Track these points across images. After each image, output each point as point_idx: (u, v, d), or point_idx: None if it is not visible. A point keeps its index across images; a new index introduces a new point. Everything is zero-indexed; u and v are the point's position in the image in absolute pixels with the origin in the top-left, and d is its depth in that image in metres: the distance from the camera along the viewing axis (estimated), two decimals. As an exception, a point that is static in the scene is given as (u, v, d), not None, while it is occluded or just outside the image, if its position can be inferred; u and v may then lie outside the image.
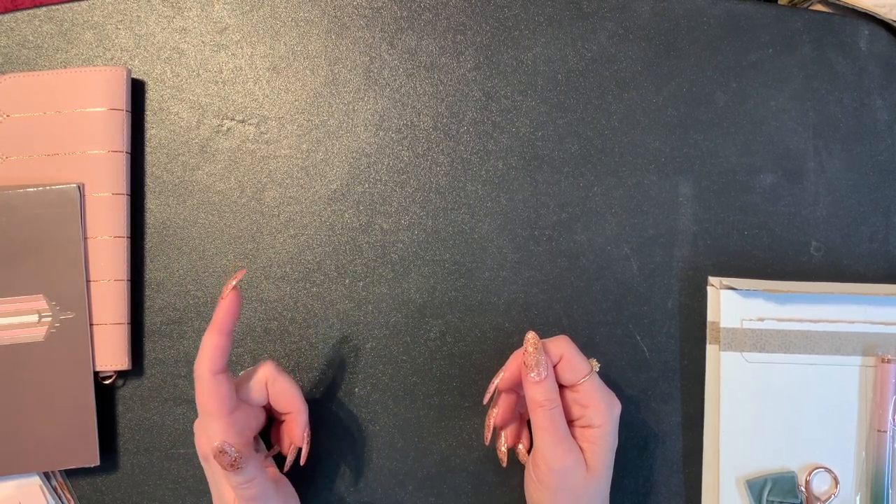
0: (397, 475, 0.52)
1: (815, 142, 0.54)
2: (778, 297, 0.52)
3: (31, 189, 0.50)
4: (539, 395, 0.45)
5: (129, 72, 0.52)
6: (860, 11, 0.56)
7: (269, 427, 0.50)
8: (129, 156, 0.52)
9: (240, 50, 0.54)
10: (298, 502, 0.48)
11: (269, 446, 0.50)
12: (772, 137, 0.54)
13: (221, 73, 0.54)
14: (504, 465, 0.49)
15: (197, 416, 0.44)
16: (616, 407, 0.46)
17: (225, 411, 0.43)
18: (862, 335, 0.52)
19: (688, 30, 0.55)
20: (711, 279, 0.53)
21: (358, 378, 0.53)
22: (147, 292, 0.53)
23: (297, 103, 0.54)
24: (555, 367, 0.46)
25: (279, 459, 0.48)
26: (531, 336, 0.46)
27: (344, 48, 0.54)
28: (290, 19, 0.54)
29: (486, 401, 0.48)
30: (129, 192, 0.52)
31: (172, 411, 0.52)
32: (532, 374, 0.45)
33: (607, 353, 0.53)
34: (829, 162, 0.54)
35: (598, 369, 0.47)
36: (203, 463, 0.45)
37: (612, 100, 0.54)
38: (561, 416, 0.46)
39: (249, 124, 0.54)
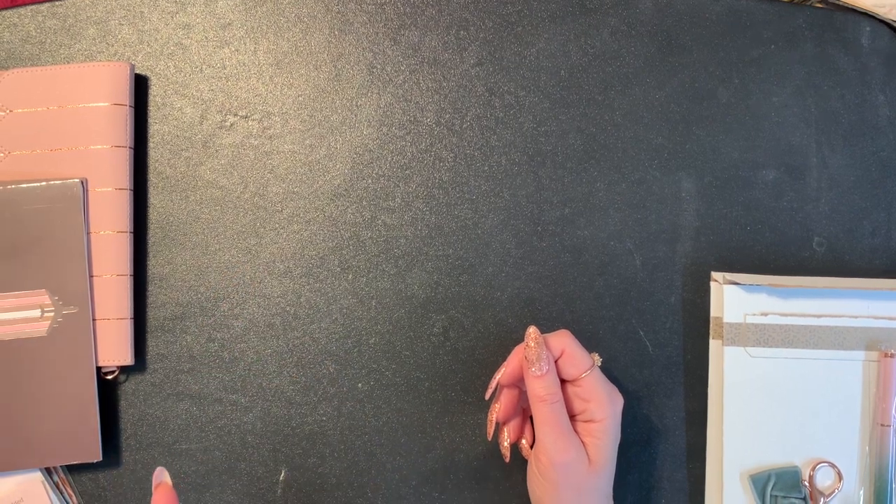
0: (401, 470, 0.52)
1: (818, 137, 0.55)
2: (781, 291, 0.52)
3: (35, 184, 0.50)
4: (540, 389, 0.45)
5: (133, 67, 0.52)
6: (860, 11, 0.56)
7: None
8: (132, 151, 0.52)
9: (243, 46, 0.54)
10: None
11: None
12: (774, 133, 0.54)
13: (225, 68, 0.54)
14: (507, 460, 0.49)
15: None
16: (618, 401, 0.46)
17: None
18: (865, 330, 0.52)
19: (690, 26, 0.55)
20: (714, 274, 0.53)
21: (361, 374, 0.53)
22: (150, 288, 0.53)
23: (300, 99, 0.54)
24: (556, 361, 0.46)
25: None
26: (532, 330, 0.46)
27: (347, 44, 0.54)
28: (293, 15, 0.54)
29: (487, 396, 0.48)
30: (132, 188, 0.52)
31: (175, 407, 0.52)
32: (533, 369, 0.45)
33: (610, 349, 0.53)
34: (831, 158, 0.55)
35: (599, 363, 0.47)
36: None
37: (614, 95, 0.54)
38: (563, 411, 0.46)
39: (253, 120, 0.54)
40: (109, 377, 0.51)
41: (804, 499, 0.50)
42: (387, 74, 0.54)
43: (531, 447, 0.49)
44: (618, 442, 0.47)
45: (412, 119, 0.54)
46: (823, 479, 0.51)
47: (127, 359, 0.51)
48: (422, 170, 0.54)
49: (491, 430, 0.49)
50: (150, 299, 0.53)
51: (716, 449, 0.52)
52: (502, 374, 0.47)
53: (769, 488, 0.50)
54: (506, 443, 0.49)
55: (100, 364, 0.50)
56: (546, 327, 0.53)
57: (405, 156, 0.54)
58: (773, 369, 0.52)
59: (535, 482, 0.46)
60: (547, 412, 0.45)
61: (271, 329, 0.53)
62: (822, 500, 0.51)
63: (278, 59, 0.54)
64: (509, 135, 0.54)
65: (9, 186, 0.50)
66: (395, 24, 0.54)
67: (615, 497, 0.47)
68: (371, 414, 0.52)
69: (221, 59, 0.54)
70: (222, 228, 0.53)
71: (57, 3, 0.53)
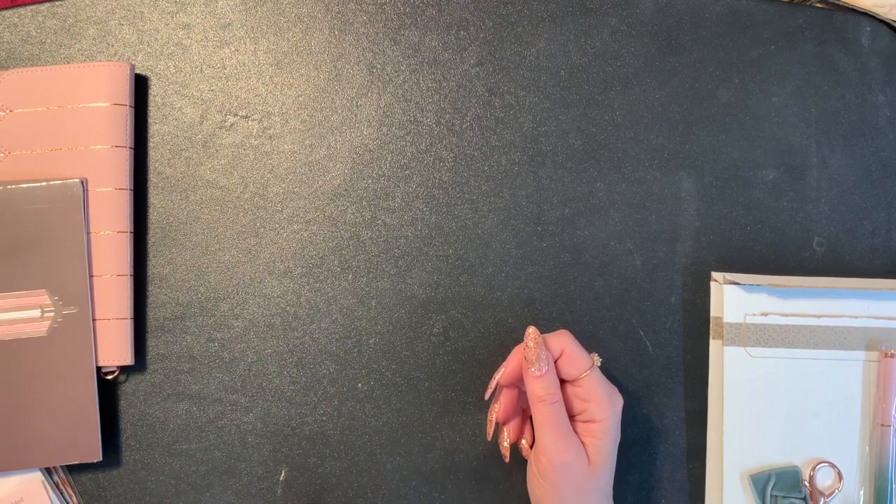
0: (401, 470, 0.52)
1: (818, 137, 0.55)
2: (781, 291, 0.52)
3: (35, 184, 0.50)
4: (540, 389, 0.45)
5: (133, 67, 0.52)
6: (860, 11, 0.56)
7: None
8: (132, 151, 0.52)
9: (243, 46, 0.54)
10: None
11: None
12: (774, 133, 0.54)
13: (225, 68, 0.54)
14: (507, 460, 0.49)
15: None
16: (618, 401, 0.46)
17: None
18: (865, 330, 0.52)
19: (690, 26, 0.55)
20: (714, 274, 0.53)
21: (361, 374, 0.53)
22: (150, 288, 0.53)
23: (300, 99, 0.54)
24: (556, 361, 0.46)
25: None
26: (532, 331, 0.46)
27: (347, 44, 0.54)
28: (293, 15, 0.54)
29: (487, 396, 0.48)
30: (132, 188, 0.52)
31: (175, 407, 0.52)
32: (533, 369, 0.45)
33: (610, 349, 0.53)
34: (831, 158, 0.55)
35: (599, 363, 0.47)
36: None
37: (615, 96, 0.54)
38: (562, 411, 0.46)
39: (253, 120, 0.54)
40: (109, 377, 0.51)
41: (804, 499, 0.50)
42: (387, 74, 0.54)
43: (531, 447, 0.49)
44: (617, 442, 0.47)
45: (412, 119, 0.54)
46: (823, 479, 0.51)
47: (127, 359, 0.51)
48: (422, 170, 0.54)
49: (490, 431, 0.49)
50: (150, 299, 0.53)
51: (716, 449, 0.52)
52: (502, 375, 0.47)
53: (769, 488, 0.50)
54: (505, 443, 0.49)
55: (100, 364, 0.50)
56: (546, 327, 0.53)
57: (405, 156, 0.54)
58: (773, 369, 0.52)
59: (535, 483, 0.46)
60: (546, 412, 0.45)
61: (271, 329, 0.53)
62: (822, 500, 0.51)
63: (278, 59, 0.54)
64: (509, 135, 0.54)
65: (9, 186, 0.50)
66: (395, 24, 0.54)
67: (615, 497, 0.47)
68: (371, 414, 0.52)
69: (221, 59, 0.54)
70: (222, 228, 0.53)
71: (57, 3, 0.53)
